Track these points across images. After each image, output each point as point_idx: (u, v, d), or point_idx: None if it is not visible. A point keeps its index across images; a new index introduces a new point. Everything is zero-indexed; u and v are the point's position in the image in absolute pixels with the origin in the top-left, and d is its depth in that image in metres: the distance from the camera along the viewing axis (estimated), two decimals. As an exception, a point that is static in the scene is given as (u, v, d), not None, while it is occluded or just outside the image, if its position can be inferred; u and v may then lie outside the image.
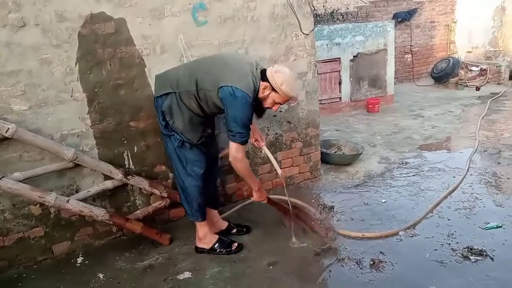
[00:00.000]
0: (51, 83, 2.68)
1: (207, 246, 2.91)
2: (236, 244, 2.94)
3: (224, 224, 3.16)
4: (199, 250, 2.92)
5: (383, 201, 3.58)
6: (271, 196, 3.04)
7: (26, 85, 2.61)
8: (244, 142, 2.53)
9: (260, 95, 2.55)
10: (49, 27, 2.59)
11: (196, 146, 2.70)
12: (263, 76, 2.54)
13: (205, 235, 2.91)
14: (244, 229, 3.17)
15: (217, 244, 2.91)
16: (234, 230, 3.15)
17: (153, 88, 2.99)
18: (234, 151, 2.53)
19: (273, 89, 2.52)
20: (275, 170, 2.98)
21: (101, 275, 2.73)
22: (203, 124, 2.70)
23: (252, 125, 2.87)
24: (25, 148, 2.66)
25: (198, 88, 2.51)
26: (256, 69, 2.56)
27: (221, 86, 2.43)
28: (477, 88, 7.45)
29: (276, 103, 2.62)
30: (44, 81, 2.65)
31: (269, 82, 2.51)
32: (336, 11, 8.08)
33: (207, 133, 2.76)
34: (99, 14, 2.72)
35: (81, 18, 2.67)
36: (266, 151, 3.00)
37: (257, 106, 2.60)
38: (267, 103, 2.61)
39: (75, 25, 2.66)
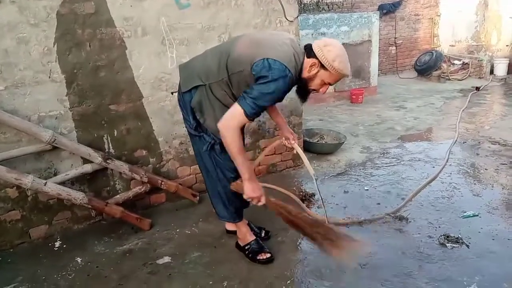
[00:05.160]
0: (28, 63, 2.61)
1: (241, 243, 2.68)
2: (266, 255, 2.59)
3: None
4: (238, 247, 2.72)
5: (366, 188, 3.62)
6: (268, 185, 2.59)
7: (2, 65, 2.54)
8: (250, 115, 2.05)
9: (306, 74, 2.15)
10: (26, 4, 2.52)
11: None
12: (309, 51, 2.13)
13: (244, 235, 2.67)
14: (263, 234, 2.83)
15: (248, 245, 2.64)
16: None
17: (134, 71, 2.97)
18: (229, 116, 2.07)
19: (323, 67, 2.10)
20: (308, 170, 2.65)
21: (79, 259, 2.69)
22: None
23: (282, 122, 2.68)
24: (1, 129, 2.60)
25: (229, 73, 2.17)
26: (299, 44, 2.19)
27: (256, 61, 2.05)
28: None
29: (325, 84, 2.19)
30: (21, 60, 2.59)
31: (317, 59, 2.10)
32: (322, 0, 8.07)
33: (242, 131, 2.33)
34: (78, -7, 2.66)
35: (60, -3, 2.61)
36: (297, 149, 2.67)
37: (301, 89, 2.25)
38: (314, 84, 2.20)
39: (54, 3, 2.60)
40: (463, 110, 6.13)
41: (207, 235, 2.94)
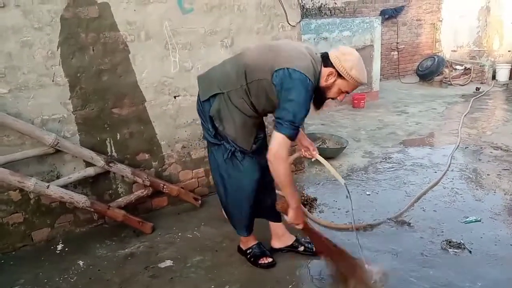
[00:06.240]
0: (32, 66, 2.63)
1: (243, 247, 2.67)
2: (268, 260, 2.59)
3: (290, 239, 2.73)
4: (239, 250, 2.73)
5: (368, 193, 3.62)
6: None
7: (6, 68, 2.56)
8: (293, 136, 2.07)
9: (323, 83, 2.16)
10: (30, 8, 2.54)
11: (248, 155, 2.34)
12: (326, 60, 2.14)
13: (246, 239, 2.63)
14: (314, 250, 2.68)
15: (250, 249, 2.63)
16: (301, 248, 2.70)
17: (137, 75, 2.98)
18: (277, 145, 2.05)
19: (340, 76, 2.11)
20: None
21: (81, 262, 2.70)
22: (256, 126, 2.33)
23: (300, 133, 2.51)
24: (5, 132, 2.62)
25: (248, 81, 2.15)
26: (316, 53, 2.18)
27: (276, 70, 2.06)
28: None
29: (342, 92, 2.20)
30: (24, 64, 2.60)
31: (334, 68, 2.11)
32: (324, 5, 8.08)
33: (260, 138, 2.37)
34: (82, -3, 2.68)
35: (63, 1, 2.63)
36: (321, 160, 2.57)
37: (317, 97, 2.22)
38: (331, 93, 2.20)
39: (58, 7, 2.62)
40: (465, 115, 6.12)
41: (209, 239, 2.94)
